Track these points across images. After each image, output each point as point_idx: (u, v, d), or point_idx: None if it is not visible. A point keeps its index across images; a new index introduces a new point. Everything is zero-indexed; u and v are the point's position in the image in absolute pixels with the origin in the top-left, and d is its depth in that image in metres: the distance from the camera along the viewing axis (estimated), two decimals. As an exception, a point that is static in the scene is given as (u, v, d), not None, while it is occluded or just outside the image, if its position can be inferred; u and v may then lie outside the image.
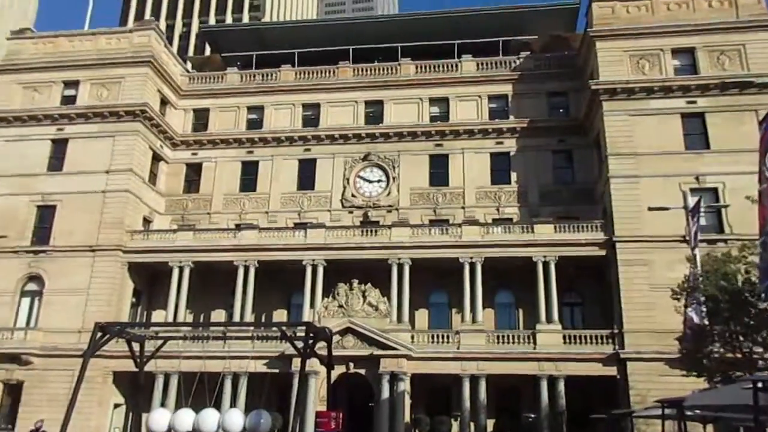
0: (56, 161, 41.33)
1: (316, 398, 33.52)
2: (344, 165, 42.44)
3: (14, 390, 36.66)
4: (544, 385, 32.83)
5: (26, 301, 38.84)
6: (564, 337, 34.00)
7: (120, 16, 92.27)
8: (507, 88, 42.55)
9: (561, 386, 32.68)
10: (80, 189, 39.78)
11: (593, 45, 38.07)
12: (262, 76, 46.00)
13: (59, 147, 41.57)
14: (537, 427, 32.49)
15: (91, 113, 41.35)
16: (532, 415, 32.74)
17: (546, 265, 35.05)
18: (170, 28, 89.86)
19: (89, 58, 42.86)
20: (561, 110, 42.18)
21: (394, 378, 33.54)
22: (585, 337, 33.80)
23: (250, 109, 45.18)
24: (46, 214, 40.15)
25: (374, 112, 43.66)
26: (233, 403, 32.83)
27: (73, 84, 42.82)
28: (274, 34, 50.74)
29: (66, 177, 40.50)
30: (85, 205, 39.33)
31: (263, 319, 38.24)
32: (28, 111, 41.99)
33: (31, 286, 38.99)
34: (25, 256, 39.03)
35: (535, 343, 33.87)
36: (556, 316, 34.42)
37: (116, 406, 37.55)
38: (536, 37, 45.02)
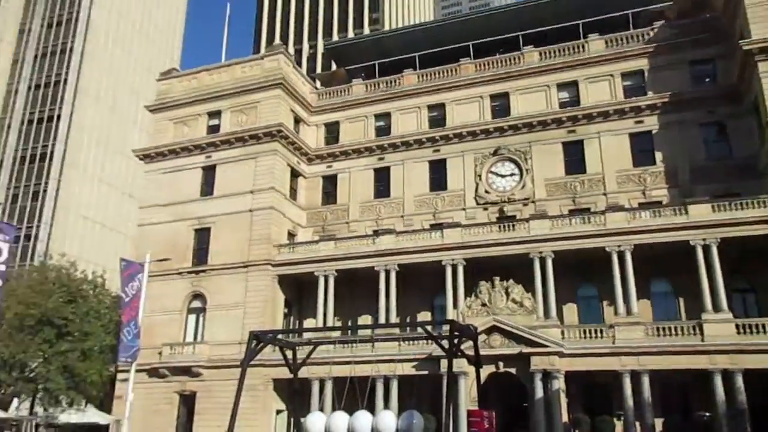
0: (207, 186, 44.70)
1: (467, 399, 33.04)
2: (474, 162, 41.84)
3: (188, 400, 39.90)
4: (717, 380, 29.87)
5: (192, 317, 42.25)
6: (737, 326, 30.73)
7: (252, 45, 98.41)
8: (642, 63, 39.71)
9: (739, 381, 29.52)
10: (230, 210, 42.63)
11: (740, 2, 34.33)
12: (386, 83, 46.73)
13: (209, 173, 44.93)
14: (713, 428, 29.58)
15: (233, 139, 44.28)
16: (707, 414, 29.81)
17: (706, 248, 32.01)
18: (298, 52, 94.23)
19: (227, 88, 46.01)
20: (707, 79, 38.60)
21: (547, 376, 32.22)
22: (764, 326, 30.26)
23: (377, 116, 46.03)
24: (202, 237, 43.48)
25: (500, 105, 42.64)
26: (386, 406, 33.36)
27: (216, 114, 46.17)
28: (393, 41, 51.31)
29: (216, 200, 43.63)
30: (235, 225, 42.07)
31: (407, 322, 38.48)
32: (180, 143, 45.83)
33: (196, 304, 42.39)
34: (188, 277, 42.50)
35: (702, 334, 30.96)
36: (724, 304, 31.21)
37: (278, 412, 39.44)
38: (671, 2, 41.53)
